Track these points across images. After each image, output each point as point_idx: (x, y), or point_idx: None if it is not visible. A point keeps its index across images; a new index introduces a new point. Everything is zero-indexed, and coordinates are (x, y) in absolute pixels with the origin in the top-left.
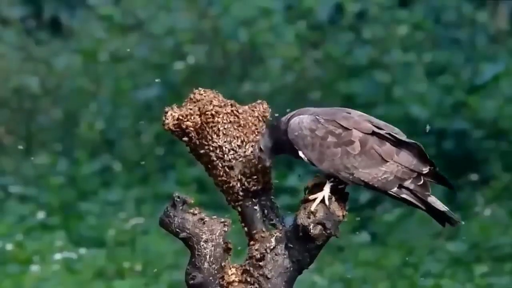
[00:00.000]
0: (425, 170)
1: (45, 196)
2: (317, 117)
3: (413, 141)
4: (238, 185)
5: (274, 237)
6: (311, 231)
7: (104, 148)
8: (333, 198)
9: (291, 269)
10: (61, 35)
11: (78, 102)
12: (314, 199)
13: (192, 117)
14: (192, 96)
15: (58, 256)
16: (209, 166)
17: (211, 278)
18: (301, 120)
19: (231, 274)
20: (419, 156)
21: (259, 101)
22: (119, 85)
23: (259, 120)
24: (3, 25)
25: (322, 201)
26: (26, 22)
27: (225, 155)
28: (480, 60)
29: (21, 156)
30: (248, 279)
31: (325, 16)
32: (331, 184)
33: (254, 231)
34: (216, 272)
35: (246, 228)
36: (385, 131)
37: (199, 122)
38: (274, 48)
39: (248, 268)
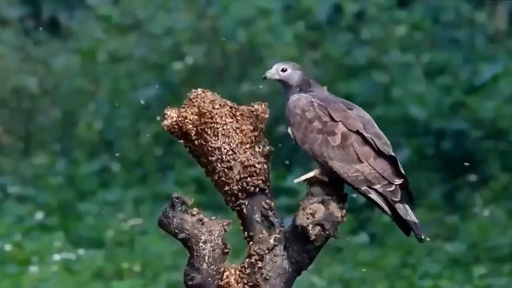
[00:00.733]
0: (397, 182)
1: (43, 196)
2: (313, 99)
3: (393, 155)
4: (237, 186)
5: (272, 238)
6: (310, 232)
7: (102, 148)
8: (328, 197)
9: (290, 270)
10: (59, 35)
11: (76, 102)
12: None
13: (191, 118)
14: (190, 96)
15: (56, 256)
16: (208, 166)
17: (209, 279)
18: (298, 99)
19: (230, 275)
20: (394, 168)
21: (258, 102)
22: (117, 85)
23: (258, 120)
24: (2, 25)
25: (322, 201)
26: (24, 22)
27: (224, 156)
28: (479, 61)
29: (20, 156)
30: (247, 280)
31: (324, 16)
32: (319, 169)
33: (253, 232)
34: (214, 273)
35: (244, 229)
36: (369, 136)
37: (198, 123)
38: (273, 48)
39: (246, 269)
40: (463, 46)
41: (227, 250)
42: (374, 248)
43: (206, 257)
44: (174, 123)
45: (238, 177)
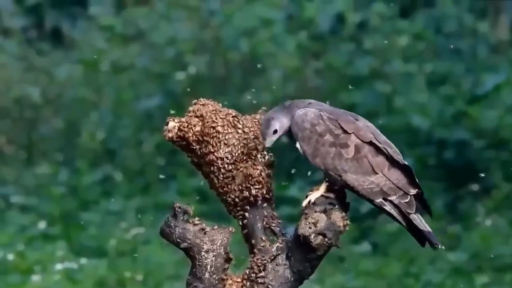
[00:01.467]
0: (412, 192)
1: (46, 206)
2: (322, 113)
3: (407, 164)
4: (239, 195)
5: (275, 247)
6: (312, 241)
7: (105, 158)
8: (331, 206)
9: (292, 279)
10: (62, 45)
11: (79, 112)
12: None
13: (193, 127)
14: (193, 106)
15: (59, 266)
16: (210, 176)
17: None
18: (306, 113)
19: (232, 285)
20: (408, 178)
21: (260, 111)
22: (120, 95)
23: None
24: (5, 36)
25: (323, 211)
26: (27, 33)
27: (226, 165)
28: (481, 70)
29: (22, 165)
30: None
31: (326, 26)
32: (327, 184)
33: (255, 241)
34: (217, 282)
35: (247, 238)
36: (382, 146)
37: (200, 132)
38: (275, 58)
39: (249, 278)
40: (466, 56)
41: (230, 259)
42: (376, 257)
43: (209, 266)
44: (176, 133)
45: (240, 186)
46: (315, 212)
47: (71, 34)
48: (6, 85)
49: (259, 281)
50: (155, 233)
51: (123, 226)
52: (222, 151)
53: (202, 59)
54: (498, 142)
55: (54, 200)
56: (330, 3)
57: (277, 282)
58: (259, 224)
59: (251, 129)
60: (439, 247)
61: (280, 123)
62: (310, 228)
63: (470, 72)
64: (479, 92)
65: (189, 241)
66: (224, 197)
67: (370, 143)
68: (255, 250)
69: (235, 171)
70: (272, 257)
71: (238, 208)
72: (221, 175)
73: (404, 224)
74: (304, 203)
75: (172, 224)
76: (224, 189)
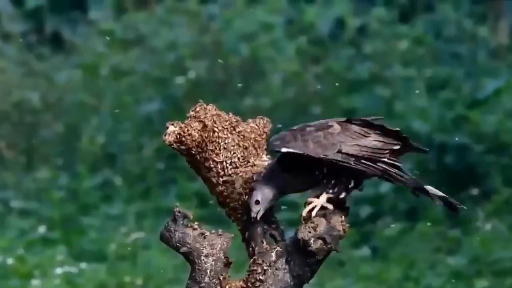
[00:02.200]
0: (396, 145)
1: (46, 210)
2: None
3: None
4: (239, 200)
5: (274, 252)
6: (312, 245)
7: (105, 162)
8: (330, 211)
9: (292, 283)
10: (62, 50)
11: (79, 116)
12: (311, 209)
13: (193, 132)
14: (193, 110)
15: (59, 270)
16: (210, 180)
17: None
18: (274, 138)
19: None
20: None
21: (260, 116)
22: (120, 99)
23: (260, 135)
24: (5, 40)
25: (321, 209)
26: (27, 37)
27: (226, 170)
28: (481, 75)
29: (22, 170)
30: None
31: (326, 31)
32: (328, 195)
33: (255, 246)
34: (216, 286)
35: (246, 243)
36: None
37: (200, 137)
38: (275, 63)
39: (248, 283)
40: (465, 60)
41: (229, 263)
42: (376, 262)
43: (208, 271)
44: (176, 137)
45: (239, 191)
46: (315, 216)
47: (71, 39)
48: (6, 90)
49: (259, 285)
50: (155, 237)
51: (123, 231)
52: (222, 155)
53: (202, 63)
54: (498, 147)
55: (54, 204)
56: (330, 8)
57: (276, 286)
58: (258, 229)
59: (251, 133)
60: (460, 208)
61: (262, 194)
62: (309, 232)
63: (470, 76)
64: (479, 97)
65: (188, 246)
66: (224, 202)
67: (348, 121)
68: (254, 255)
69: (234, 176)
70: (272, 262)
71: (238, 213)
72: (221, 180)
73: (408, 183)
74: (305, 212)
75: (171, 228)
76: (224, 193)
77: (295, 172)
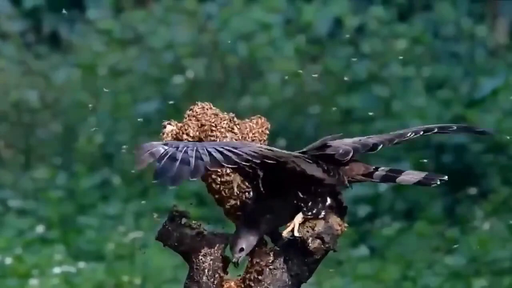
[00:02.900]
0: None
1: (44, 210)
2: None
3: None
4: (237, 199)
5: (272, 251)
6: (310, 245)
7: (103, 162)
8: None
9: (290, 283)
10: (60, 49)
11: (77, 116)
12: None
13: (191, 131)
14: (190, 110)
15: (57, 270)
16: (208, 180)
17: None
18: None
19: None
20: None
21: (258, 115)
22: (118, 99)
23: (258, 134)
24: (3, 39)
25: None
26: (25, 36)
27: (223, 169)
28: (479, 74)
29: (20, 169)
30: None
31: (324, 30)
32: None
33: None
34: (214, 286)
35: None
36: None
37: (198, 136)
38: (273, 62)
39: (246, 282)
40: (464, 60)
41: (227, 263)
42: (374, 261)
43: (206, 270)
44: (174, 137)
45: (237, 190)
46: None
47: (69, 38)
48: (4, 89)
49: (257, 285)
50: (153, 237)
51: (121, 230)
52: None
53: (200, 63)
54: (496, 146)
55: (52, 204)
56: (328, 7)
57: (274, 286)
58: None
59: (249, 133)
60: (438, 183)
61: (247, 242)
62: (307, 231)
63: (468, 76)
64: (477, 96)
65: (186, 245)
66: (222, 201)
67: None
68: (252, 254)
69: (232, 175)
70: (270, 261)
71: (235, 212)
72: (219, 179)
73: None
74: (285, 232)
75: (169, 228)
76: (222, 193)
77: (275, 208)
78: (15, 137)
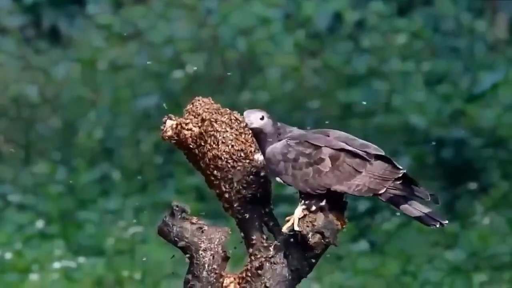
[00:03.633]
0: (401, 172)
1: (44, 205)
2: (288, 141)
3: (384, 154)
4: (237, 194)
5: (272, 246)
6: (310, 239)
7: (103, 157)
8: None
9: (290, 277)
10: (60, 44)
11: (77, 111)
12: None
13: (191, 126)
14: (190, 105)
15: (57, 264)
16: (208, 174)
17: (209, 287)
18: (273, 148)
19: (230, 283)
20: (391, 164)
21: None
22: (118, 94)
23: None
24: (2, 34)
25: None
26: (25, 31)
27: (224, 164)
28: (479, 69)
29: (20, 164)
30: None
31: (324, 25)
32: (303, 207)
33: (253, 240)
34: (214, 281)
35: (244, 237)
36: (356, 148)
37: (198, 131)
38: (273, 57)
39: (246, 277)
40: (463, 54)
41: (227, 257)
42: (374, 256)
43: (206, 265)
44: (174, 131)
45: (237, 185)
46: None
47: (68, 33)
48: (3, 84)
49: (257, 279)
50: (153, 231)
51: (121, 225)
52: (220, 149)
53: (200, 58)
54: (496, 141)
55: (51, 199)
56: (327, 2)
57: (275, 281)
58: (256, 223)
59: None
60: (438, 226)
61: (267, 121)
62: (307, 226)
63: (468, 70)
64: (476, 91)
65: (186, 240)
66: (222, 196)
67: (343, 149)
68: (252, 249)
69: (232, 170)
70: (270, 256)
71: (236, 207)
72: (219, 174)
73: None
74: (285, 228)
75: (169, 222)
76: (222, 188)
77: None
78: (15, 132)
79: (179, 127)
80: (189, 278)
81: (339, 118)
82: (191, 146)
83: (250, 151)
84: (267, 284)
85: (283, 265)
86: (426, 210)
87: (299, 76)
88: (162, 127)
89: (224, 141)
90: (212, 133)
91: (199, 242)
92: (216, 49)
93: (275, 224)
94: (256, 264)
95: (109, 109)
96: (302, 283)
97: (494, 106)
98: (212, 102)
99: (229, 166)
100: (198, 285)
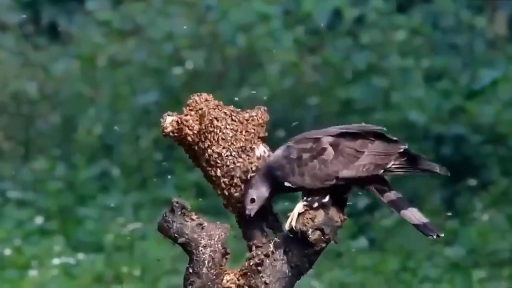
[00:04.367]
0: (403, 146)
1: (43, 201)
2: (288, 144)
3: (383, 132)
4: (237, 191)
5: (272, 243)
6: (310, 236)
7: (102, 153)
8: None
9: (290, 274)
10: (59, 40)
11: (76, 107)
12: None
13: (190, 123)
14: (190, 101)
15: (56, 261)
16: (208, 171)
17: (209, 283)
18: (275, 155)
19: (230, 280)
20: (392, 141)
21: (257, 106)
22: (117, 90)
23: (258, 125)
24: (1, 31)
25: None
26: (24, 28)
27: (224, 160)
28: (478, 66)
29: (19, 161)
30: (247, 285)
31: (324, 21)
32: (304, 203)
33: (253, 237)
34: (214, 277)
35: (244, 234)
36: (353, 128)
37: (197, 128)
38: (272, 54)
39: (246, 274)
40: (463, 51)
41: (227, 254)
42: (374, 253)
43: (206, 262)
44: (174, 128)
45: (238, 181)
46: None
47: (68, 29)
48: (2, 81)
49: (257, 276)
50: (153, 228)
51: (121, 221)
52: (220, 146)
53: (200, 54)
54: (495, 137)
55: (51, 195)
56: None
57: (274, 277)
58: (256, 220)
59: (249, 124)
60: (434, 237)
61: (258, 193)
62: (307, 223)
63: (467, 67)
64: (476, 87)
65: (186, 236)
66: (221, 192)
67: (342, 134)
68: (252, 245)
69: (232, 166)
70: (270, 252)
71: (236, 204)
72: (219, 170)
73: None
74: (287, 226)
75: (169, 219)
76: (222, 184)
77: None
78: (14, 128)
79: (178, 123)
80: (189, 275)
81: (339, 114)
82: (190, 142)
83: (251, 147)
84: (267, 281)
85: (283, 261)
86: (424, 220)
87: (298, 73)
88: (161, 123)
89: (224, 137)
90: (212, 129)
91: (199, 239)
92: (215, 46)
93: (275, 221)
94: (256, 260)
95: (108, 105)
96: (302, 280)
97: (493, 103)
98: (212, 98)
99: (229, 162)
100: (198, 282)
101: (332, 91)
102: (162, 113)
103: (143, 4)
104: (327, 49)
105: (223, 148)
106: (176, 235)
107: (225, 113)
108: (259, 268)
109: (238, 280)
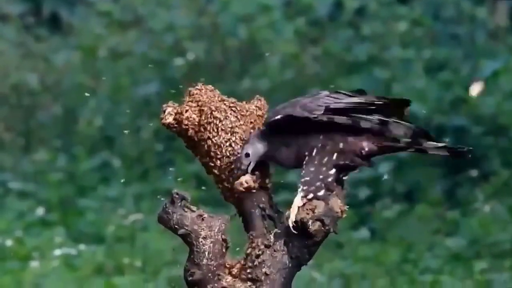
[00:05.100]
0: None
1: (44, 192)
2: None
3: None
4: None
5: (272, 234)
6: (310, 227)
7: (103, 144)
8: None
9: (290, 265)
10: (60, 31)
11: (77, 98)
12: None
13: (190, 114)
14: (190, 92)
15: (57, 252)
16: (208, 162)
17: (209, 274)
18: (273, 110)
19: (230, 271)
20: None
21: (257, 96)
22: (118, 81)
23: (258, 116)
24: (2, 22)
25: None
26: (25, 19)
27: (223, 152)
28: (480, 56)
29: (20, 152)
30: (247, 276)
31: (325, 12)
32: (301, 194)
33: (253, 228)
34: (214, 268)
35: (244, 225)
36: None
37: (197, 118)
38: (273, 45)
39: (246, 265)
40: (464, 42)
41: (227, 245)
42: (374, 244)
43: (206, 253)
44: (174, 119)
45: (237, 173)
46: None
47: (69, 20)
48: (3, 72)
49: (257, 267)
50: (154, 219)
51: (121, 213)
52: (220, 137)
53: (200, 45)
54: (497, 129)
55: (52, 186)
56: None
57: (275, 268)
58: (256, 210)
59: (249, 115)
60: (465, 149)
61: (253, 148)
62: (307, 214)
63: (469, 58)
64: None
65: (186, 228)
66: (222, 183)
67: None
68: (252, 237)
69: (232, 157)
70: (270, 243)
71: (236, 195)
72: (219, 162)
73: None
74: (291, 223)
75: (169, 210)
76: (221, 175)
77: (285, 139)
78: (15, 119)
79: (179, 114)
80: (189, 266)
81: None
82: (191, 133)
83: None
84: (267, 272)
85: (283, 252)
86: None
87: (299, 64)
88: (162, 115)
89: (224, 128)
90: (211, 120)
91: (199, 230)
92: (216, 37)
93: (275, 212)
94: (256, 251)
95: (109, 96)
96: (302, 271)
97: (495, 94)
98: (213, 89)
99: (228, 153)
100: (198, 273)
101: (333, 82)
102: (163, 104)
103: None
104: (328, 40)
105: (223, 139)
106: (176, 226)
107: (225, 104)
108: (259, 259)
109: (239, 271)
